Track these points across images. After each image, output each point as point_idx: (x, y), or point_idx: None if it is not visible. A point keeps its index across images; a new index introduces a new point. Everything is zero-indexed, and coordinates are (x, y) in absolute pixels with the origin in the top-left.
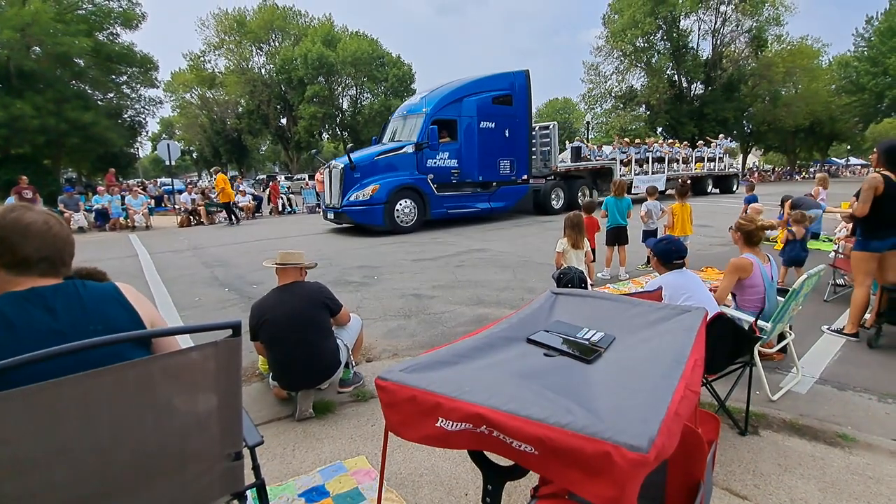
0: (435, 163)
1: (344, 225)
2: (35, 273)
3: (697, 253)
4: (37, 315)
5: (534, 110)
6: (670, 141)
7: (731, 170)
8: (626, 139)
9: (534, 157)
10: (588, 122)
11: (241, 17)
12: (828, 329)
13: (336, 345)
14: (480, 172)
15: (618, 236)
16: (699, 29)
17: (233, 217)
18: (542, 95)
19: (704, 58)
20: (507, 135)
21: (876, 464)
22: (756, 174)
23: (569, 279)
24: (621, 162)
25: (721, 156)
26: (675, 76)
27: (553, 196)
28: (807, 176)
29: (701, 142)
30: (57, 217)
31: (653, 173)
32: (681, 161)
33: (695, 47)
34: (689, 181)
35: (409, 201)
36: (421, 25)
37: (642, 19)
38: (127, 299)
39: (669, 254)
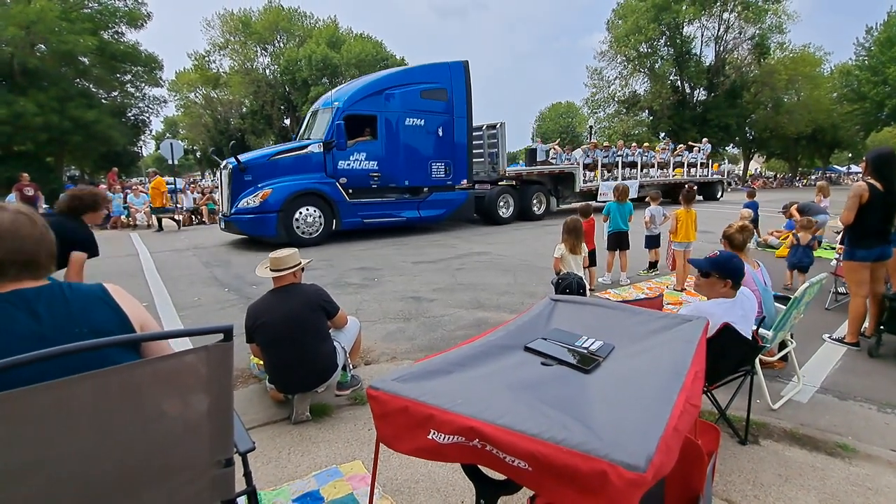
0: (348, 164)
1: (241, 236)
2: (10, 276)
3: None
4: (19, 318)
5: (536, 114)
6: (646, 144)
7: (714, 176)
8: (593, 141)
9: (481, 160)
10: (591, 127)
11: (246, 17)
12: (829, 338)
13: (333, 348)
14: (407, 176)
15: (619, 241)
16: (702, 35)
17: (161, 223)
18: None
19: (707, 64)
20: (440, 134)
21: (876, 475)
22: (759, 180)
23: (567, 285)
24: (586, 166)
25: (704, 161)
26: (679, 82)
27: (501, 203)
28: (808, 183)
29: (682, 145)
30: (30, 215)
31: (623, 179)
32: (656, 166)
33: (698, 53)
34: (695, 187)
35: (312, 209)
36: (423, 29)
37: (646, 25)
38: (115, 300)
39: (734, 269)
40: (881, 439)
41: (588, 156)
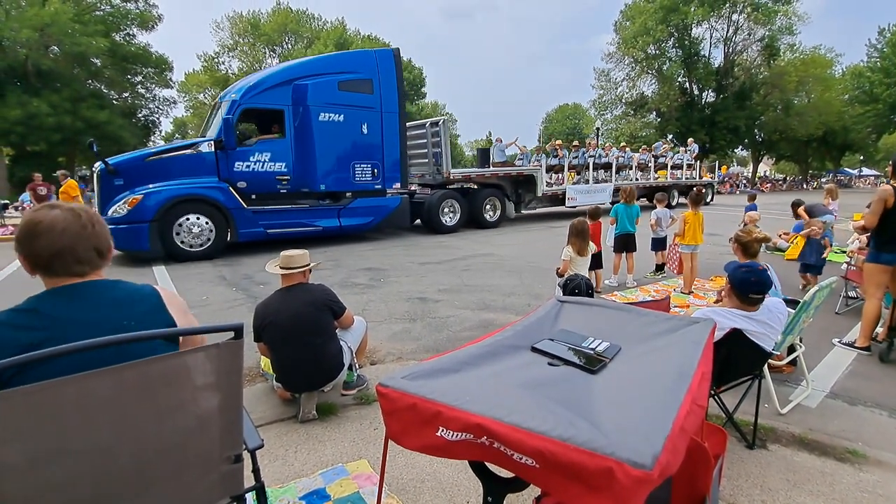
0: (248, 166)
1: None
2: (60, 271)
3: (707, 262)
4: (72, 308)
5: (543, 115)
6: (622, 144)
7: (702, 179)
8: (559, 140)
9: (424, 160)
10: (598, 129)
11: (255, 19)
12: (839, 342)
13: (339, 347)
14: (324, 180)
15: (626, 243)
16: (711, 37)
17: None
18: (553, 101)
19: (716, 66)
20: (364, 131)
21: (886, 481)
22: (768, 183)
23: (576, 285)
24: (551, 168)
25: (691, 163)
26: (687, 83)
27: (445, 209)
28: (817, 186)
29: (665, 145)
30: (76, 212)
31: (597, 182)
32: (635, 167)
33: (706, 55)
34: (703, 189)
35: (198, 218)
36: (430, 30)
37: (654, 27)
38: (162, 301)
39: (748, 284)
40: (892, 446)
41: (554, 156)
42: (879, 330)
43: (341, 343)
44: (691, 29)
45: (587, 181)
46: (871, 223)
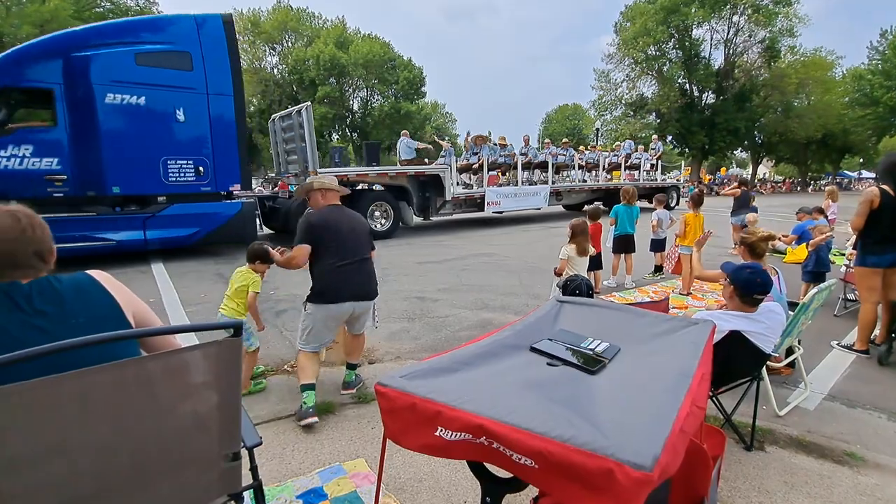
0: None
1: None
2: (5, 273)
3: (707, 263)
4: (16, 310)
5: (542, 117)
6: (564, 141)
7: (666, 181)
8: (480, 135)
9: (293, 157)
10: (598, 129)
11: (255, 17)
12: (837, 345)
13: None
14: (117, 181)
15: (626, 245)
16: (711, 38)
17: None
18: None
19: (716, 67)
20: (180, 118)
21: (885, 484)
22: (767, 185)
23: (576, 286)
24: (467, 167)
25: (654, 163)
26: (687, 85)
27: None
28: (818, 188)
29: (619, 143)
30: (15, 215)
31: (526, 183)
32: (577, 168)
33: (707, 56)
34: (704, 190)
35: None
36: (431, 31)
37: (654, 28)
38: (104, 287)
39: (752, 285)
40: (890, 448)
41: (474, 153)
42: (877, 332)
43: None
44: (692, 30)
45: (514, 183)
46: (857, 225)
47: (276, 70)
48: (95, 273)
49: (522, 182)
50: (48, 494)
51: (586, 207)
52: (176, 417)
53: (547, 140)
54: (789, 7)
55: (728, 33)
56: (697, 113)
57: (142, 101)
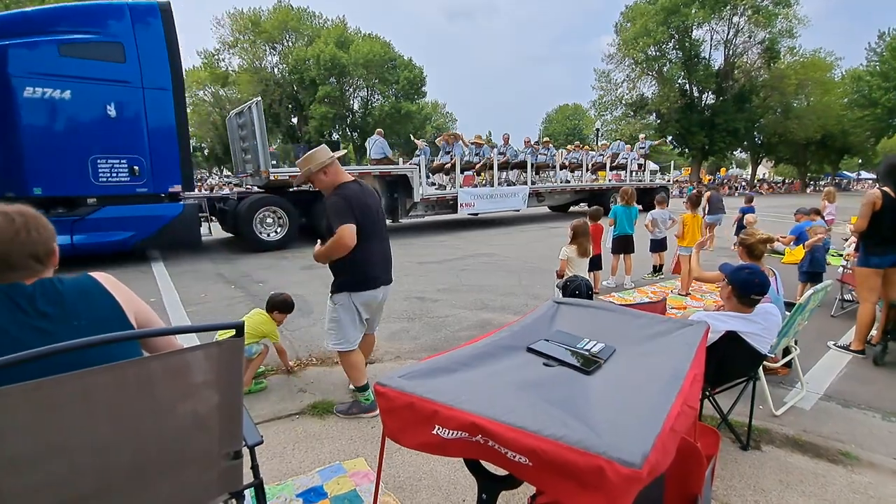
0: None
1: None
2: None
3: (705, 264)
4: (18, 311)
5: (542, 116)
6: (545, 139)
7: (654, 181)
8: (452, 133)
9: (247, 156)
10: (598, 129)
11: (255, 16)
12: (834, 345)
13: None
14: (38, 181)
15: (625, 245)
16: (711, 39)
17: None
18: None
19: (716, 68)
20: (111, 114)
21: (879, 483)
22: (766, 186)
23: (576, 287)
24: (439, 168)
25: (641, 163)
26: (687, 85)
27: (261, 219)
28: (817, 189)
29: (605, 142)
30: (10, 216)
31: (504, 184)
32: (558, 168)
33: (707, 57)
34: (703, 191)
35: None
36: (432, 31)
37: (654, 28)
38: (105, 288)
39: (751, 286)
40: (885, 448)
41: (447, 151)
42: (874, 333)
43: None
44: (692, 31)
45: (490, 184)
46: (860, 227)
47: (276, 70)
48: (97, 275)
49: (500, 182)
50: (49, 494)
51: (587, 208)
52: (177, 417)
53: (546, 139)
54: (789, 8)
55: (728, 34)
56: (697, 113)
57: (66, 95)
